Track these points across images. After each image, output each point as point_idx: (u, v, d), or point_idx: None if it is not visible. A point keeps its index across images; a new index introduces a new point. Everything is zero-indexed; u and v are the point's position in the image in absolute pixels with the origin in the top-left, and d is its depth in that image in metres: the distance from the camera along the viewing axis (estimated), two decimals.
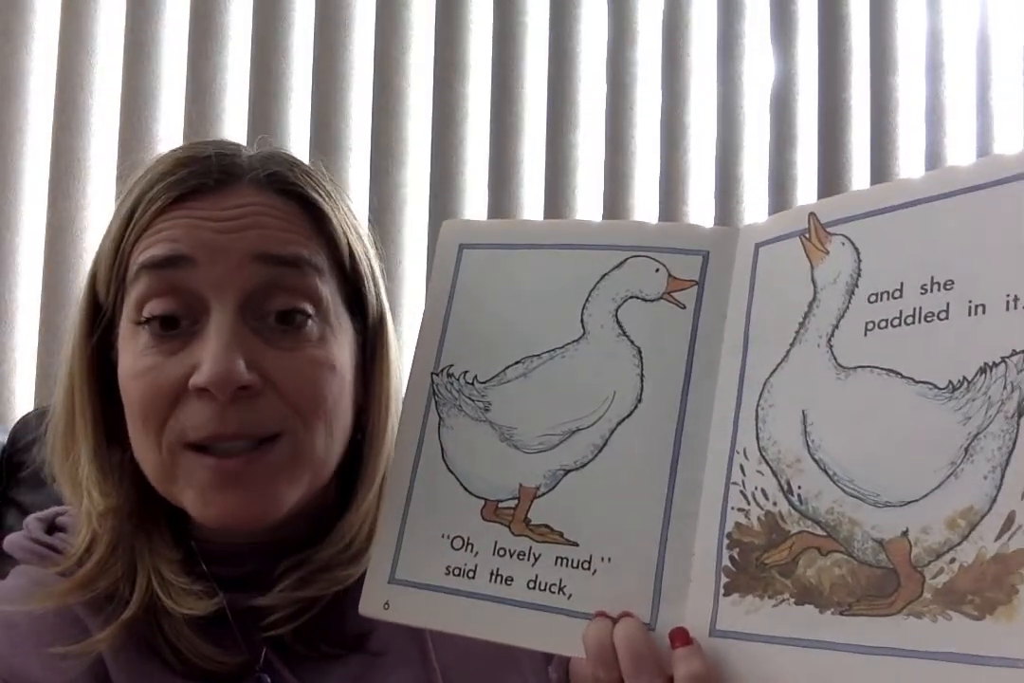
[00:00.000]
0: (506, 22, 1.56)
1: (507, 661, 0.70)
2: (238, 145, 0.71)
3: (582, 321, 0.61)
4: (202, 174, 0.65)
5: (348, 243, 0.68)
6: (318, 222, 0.67)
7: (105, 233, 0.68)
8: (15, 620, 0.67)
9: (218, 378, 0.60)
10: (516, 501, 0.59)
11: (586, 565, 0.57)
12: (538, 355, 0.61)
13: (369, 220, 1.49)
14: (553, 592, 0.57)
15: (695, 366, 0.58)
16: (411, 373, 0.64)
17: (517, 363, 0.61)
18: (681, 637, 0.53)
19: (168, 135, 1.42)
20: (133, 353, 0.64)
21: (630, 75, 1.61)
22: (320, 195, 0.68)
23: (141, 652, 0.65)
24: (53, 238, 1.37)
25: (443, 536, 0.60)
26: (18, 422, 1.15)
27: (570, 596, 0.57)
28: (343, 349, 0.66)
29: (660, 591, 0.55)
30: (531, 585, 0.58)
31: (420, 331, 0.64)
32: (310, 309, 0.64)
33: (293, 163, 0.70)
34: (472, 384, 0.62)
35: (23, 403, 1.34)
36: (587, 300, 0.61)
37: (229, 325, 0.61)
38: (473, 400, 0.62)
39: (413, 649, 0.69)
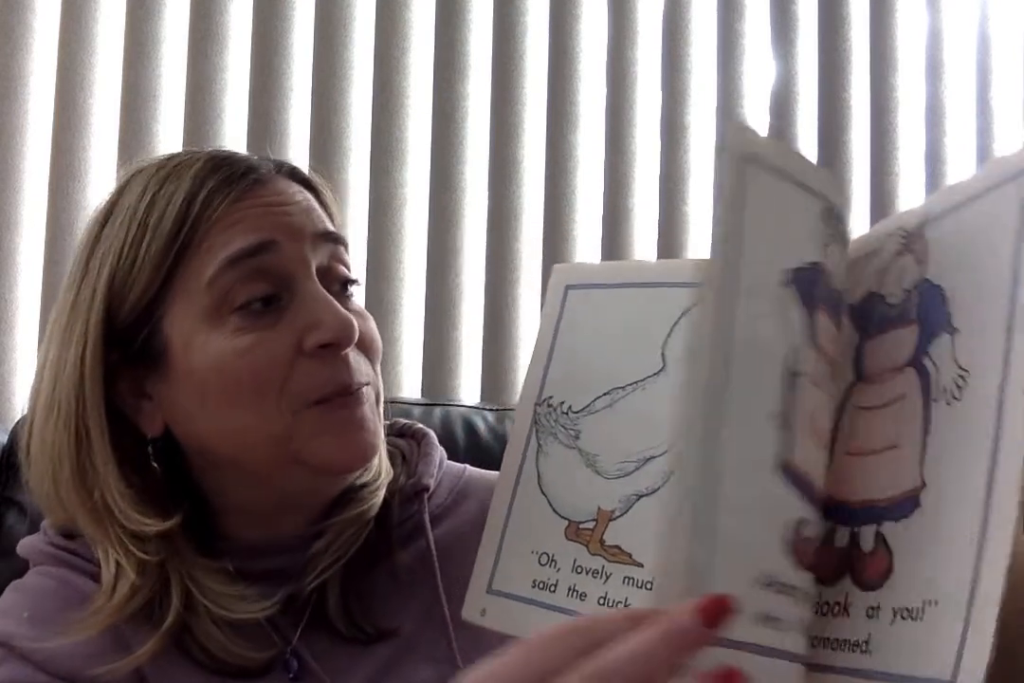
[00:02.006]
0: (506, 22, 1.56)
1: None
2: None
3: (663, 355, 0.64)
4: (253, 168, 0.71)
5: (338, 222, 0.77)
6: (325, 206, 0.75)
7: (127, 245, 0.68)
8: (43, 618, 0.68)
9: (346, 332, 0.67)
10: (594, 523, 0.63)
11: (649, 586, 0.60)
12: (623, 387, 0.65)
13: (368, 220, 1.49)
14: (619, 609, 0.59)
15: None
16: (519, 403, 0.68)
17: (605, 394, 0.65)
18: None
19: (168, 135, 1.42)
20: (225, 338, 0.67)
21: (630, 75, 1.61)
22: (319, 183, 0.77)
23: (172, 653, 0.67)
24: (53, 238, 1.37)
25: (532, 552, 0.64)
26: (18, 422, 1.15)
27: None
28: None
29: None
30: (601, 601, 0.61)
31: (529, 365, 0.69)
32: (353, 276, 0.73)
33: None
34: (567, 413, 0.67)
35: (23, 403, 1.34)
36: (668, 335, 0.64)
37: (323, 291, 0.69)
38: (566, 428, 0.67)
39: (440, 647, 0.71)
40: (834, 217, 0.51)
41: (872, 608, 0.47)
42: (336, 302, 0.69)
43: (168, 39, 1.42)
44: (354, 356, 0.69)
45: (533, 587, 0.63)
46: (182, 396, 0.69)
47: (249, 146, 1.44)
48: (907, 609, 0.46)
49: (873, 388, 0.52)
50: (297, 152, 1.47)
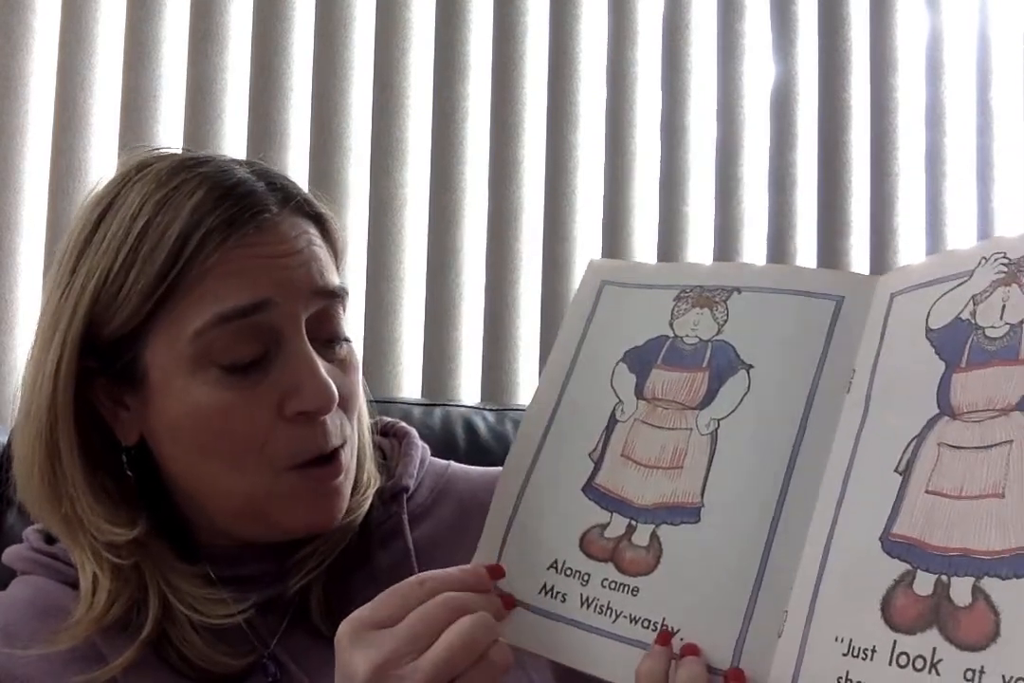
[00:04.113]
0: (506, 22, 1.56)
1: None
2: (234, 162, 0.70)
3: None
4: (259, 207, 0.66)
5: (341, 253, 0.74)
6: (330, 239, 0.72)
7: (115, 268, 0.65)
8: (16, 632, 0.67)
9: (325, 402, 0.66)
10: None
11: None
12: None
13: (368, 220, 1.49)
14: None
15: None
16: (536, 396, 0.66)
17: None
18: (736, 675, 0.53)
19: (168, 135, 1.42)
20: (206, 390, 0.65)
21: (630, 75, 1.61)
22: (327, 213, 0.72)
23: (149, 662, 0.66)
24: (53, 238, 1.37)
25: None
26: None
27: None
28: None
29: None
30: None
31: (552, 358, 0.66)
32: (345, 330, 0.70)
33: (296, 183, 0.72)
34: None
35: None
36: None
37: (310, 351, 0.66)
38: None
39: None
40: (691, 292, 0.63)
41: (972, 671, 0.44)
42: (319, 365, 0.66)
43: (168, 39, 1.42)
44: (332, 417, 0.68)
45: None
46: (159, 427, 0.68)
47: (249, 146, 1.44)
48: (1022, 679, 0.43)
49: (967, 427, 0.50)
50: (297, 152, 1.47)
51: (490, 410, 1.27)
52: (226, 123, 1.44)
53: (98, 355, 0.68)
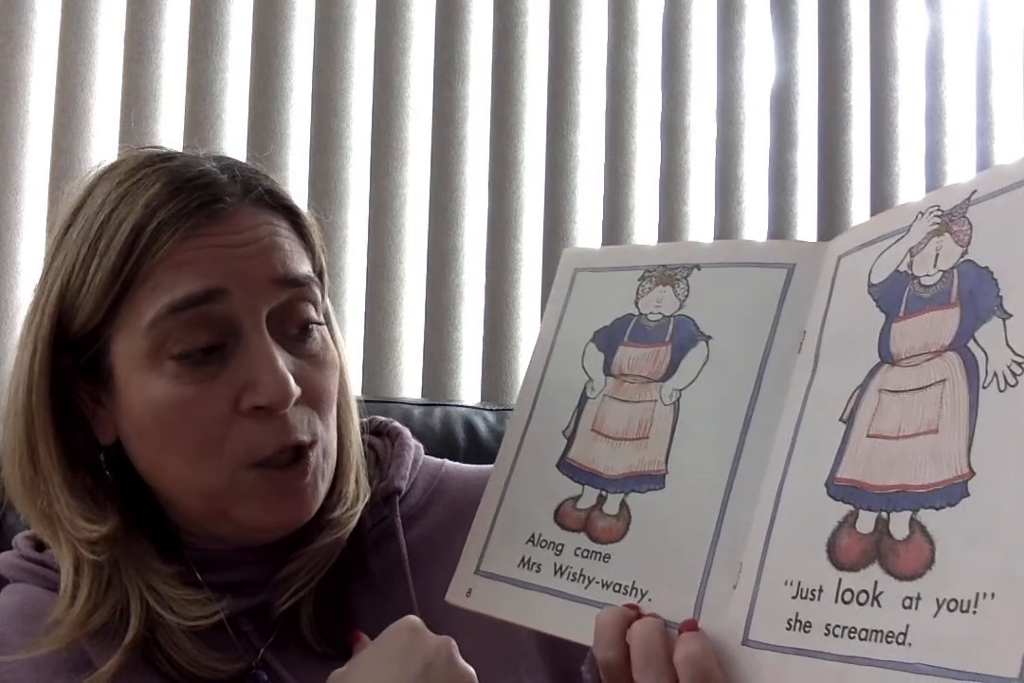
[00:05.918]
0: (506, 22, 1.56)
1: (503, 663, 0.71)
2: (205, 158, 0.69)
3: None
4: (214, 198, 0.65)
5: (318, 246, 0.72)
6: (300, 231, 0.70)
7: (78, 265, 0.65)
8: (5, 640, 0.67)
9: (281, 397, 0.64)
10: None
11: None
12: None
13: (369, 220, 1.49)
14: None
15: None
16: (524, 383, 0.69)
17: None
18: (688, 625, 0.54)
19: (168, 135, 1.41)
20: (163, 384, 0.64)
21: (630, 75, 1.61)
22: (296, 205, 0.71)
23: (139, 668, 0.65)
24: None
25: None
26: None
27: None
28: (332, 344, 0.71)
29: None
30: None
31: (535, 347, 0.69)
32: (317, 318, 0.68)
33: (264, 174, 0.71)
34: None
35: None
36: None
37: (268, 344, 0.65)
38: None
39: None
40: (655, 271, 0.65)
41: (910, 598, 0.46)
42: (277, 359, 0.64)
43: (168, 39, 1.42)
44: (296, 413, 0.66)
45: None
46: (126, 424, 0.68)
47: (249, 146, 1.44)
48: (955, 601, 0.44)
49: (905, 372, 0.51)
50: (297, 152, 1.47)
51: (490, 410, 1.27)
52: (226, 123, 1.44)
53: (72, 352, 0.67)
